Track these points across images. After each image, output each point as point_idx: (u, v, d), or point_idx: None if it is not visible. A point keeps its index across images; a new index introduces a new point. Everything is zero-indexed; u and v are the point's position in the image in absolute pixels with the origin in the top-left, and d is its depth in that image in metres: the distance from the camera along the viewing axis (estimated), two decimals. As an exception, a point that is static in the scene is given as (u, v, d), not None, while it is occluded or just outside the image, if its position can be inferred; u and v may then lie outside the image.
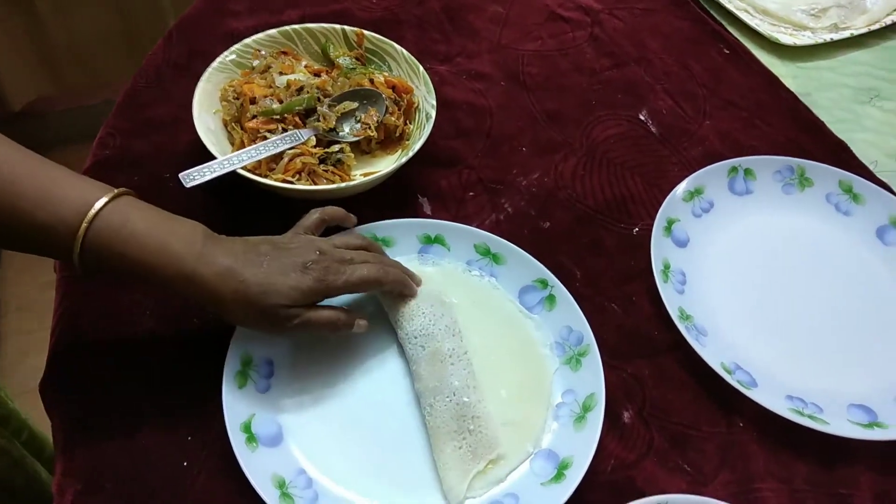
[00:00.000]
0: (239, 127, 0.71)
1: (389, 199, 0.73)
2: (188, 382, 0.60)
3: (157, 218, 0.54)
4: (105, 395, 0.59)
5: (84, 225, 0.50)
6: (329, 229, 0.63)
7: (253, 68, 0.75)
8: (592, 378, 0.60)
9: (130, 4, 1.61)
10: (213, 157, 0.65)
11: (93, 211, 0.50)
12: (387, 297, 0.64)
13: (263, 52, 0.77)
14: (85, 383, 0.60)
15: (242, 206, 0.71)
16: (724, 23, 0.98)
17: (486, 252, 0.68)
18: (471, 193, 0.75)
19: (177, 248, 0.52)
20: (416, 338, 0.61)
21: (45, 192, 0.50)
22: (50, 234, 0.50)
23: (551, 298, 0.65)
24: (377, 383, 0.61)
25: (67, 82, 1.70)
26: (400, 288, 0.62)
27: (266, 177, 0.67)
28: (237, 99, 0.72)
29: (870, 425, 0.61)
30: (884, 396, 0.64)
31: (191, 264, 0.52)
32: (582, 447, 0.57)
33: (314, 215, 0.61)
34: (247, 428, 0.56)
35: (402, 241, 0.68)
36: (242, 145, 0.69)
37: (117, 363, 0.61)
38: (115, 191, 0.52)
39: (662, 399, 0.63)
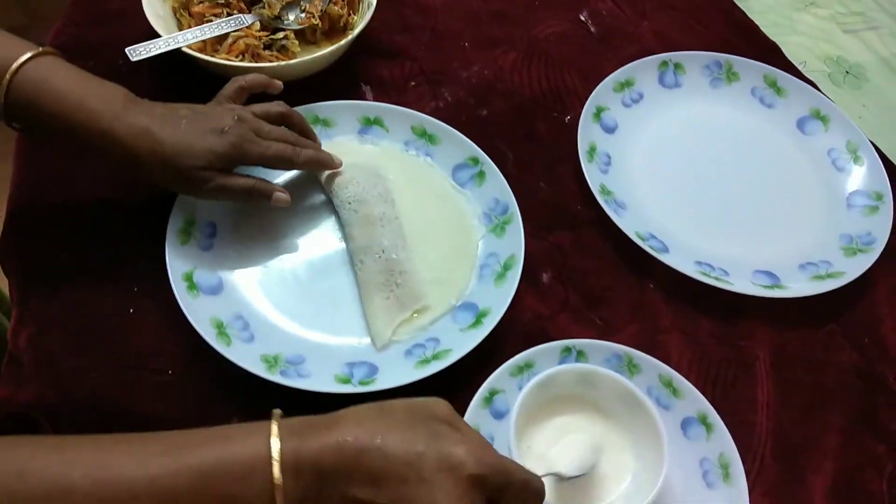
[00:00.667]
0: (187, 13, 0.74)
1: (333, 86, 0.76)
2: (136, 241, 0.64)
3: (79, 76, 0.56)
4: (57, 253, 0.64)
5: (7, 77, 0.52)
6: (255, 98, 0.65)
7: (201, -39, 0.78)
8: (514, 242, 0.65)
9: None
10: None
11: (16, 64, 0.53)
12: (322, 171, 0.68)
13: (212, -54, 0.79)
14: (39, 244, 0.64)
15: (188, 90, 0.74)
16: (670, -67, 1.01)
17: (422, 133, 0.72)
18: (412, 83, 0.79)
19: (95, 105, 0.54)
20: (349, 203, 0.65)
21: None
22: None
23: (481, 174, 0.70)
24: (314, 244, 0.66)
25: (5, 24, 1.70)
26: (314, 168, 0.65)
27: (212, 57, 0.70)
28: (185, -14, 0.75)
29: (771, 287, 0.66)
30: (788, 264, 0.69)
31: (108, 122, 0.54)
32: (500, 299, 0.61)
33: (234, 83, 0.63)
34: (188, 277, 0.60)
35: (342, 122, 0.72)
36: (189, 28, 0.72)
37: (70, 225, 0.65)
38: (40, 49, 0.55)
39: (581, 264, 0.68)
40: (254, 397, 0.57)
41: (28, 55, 0.53)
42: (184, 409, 0.57)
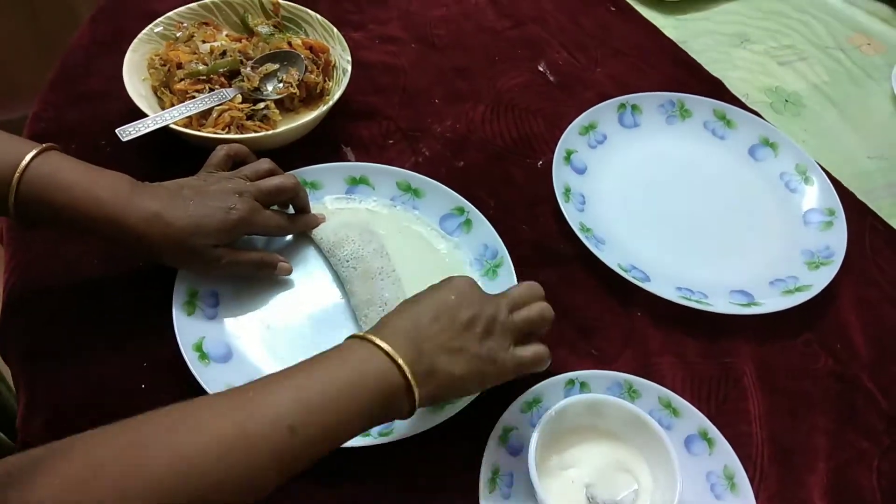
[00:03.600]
0: (168, 91, 0.76)
1: (316, 150, 0.79)
2: (138, 317, 0.65)
3: (84, 168, 0.58)
4: (59, 334, 0.64)
5: (16, 175, 0.54)
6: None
7: (176, 39, 0.81)
8: (507, 283, 0.68)
9: (43, 13, 1.62)
10: (146, 117, 0.70)
11: (24, 162, 0.54)
12: (318, 232, 0.70)
13: (185, 25, 0.82)
14: (41, 326, 0.64)
15: (174, 165, 0.76)
16: (610, -15, 1.08)
17: (407, 188, 0.75)
18: (391, 141, 0.83)
19: (104, 195, 0.56)
20: (347, 261, 0.68)
21: None
22: None
23: (468, 222, 0.73)
24: (315, 303, 0.68)
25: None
26: (306, 229, 0.70)
27: (198, 132, 0.73)
28: (164, 65, 0.77)
29: (748, 305, 0.71)
30: (759, 282, 0.74)
31: (119, 210, 0.56)
32: (501, 339, 0.64)
33: (220, 152, 0.66)
34: (198, 347, 0.61)
35: (329, 183, 0.75)
36: (172, 107, 0.75)
37: (69, 305, 0.66)
38: (43, 145, 0.57)
39: (570, 299, 0.71)
40: (275, 459, 0.58)
41: (32, 153, 0.55)
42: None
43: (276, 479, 0.44)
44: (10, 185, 0.54)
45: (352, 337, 0.52)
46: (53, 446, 0.40)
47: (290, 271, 0.67)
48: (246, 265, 0.64)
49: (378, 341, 0.49)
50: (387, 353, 0.49)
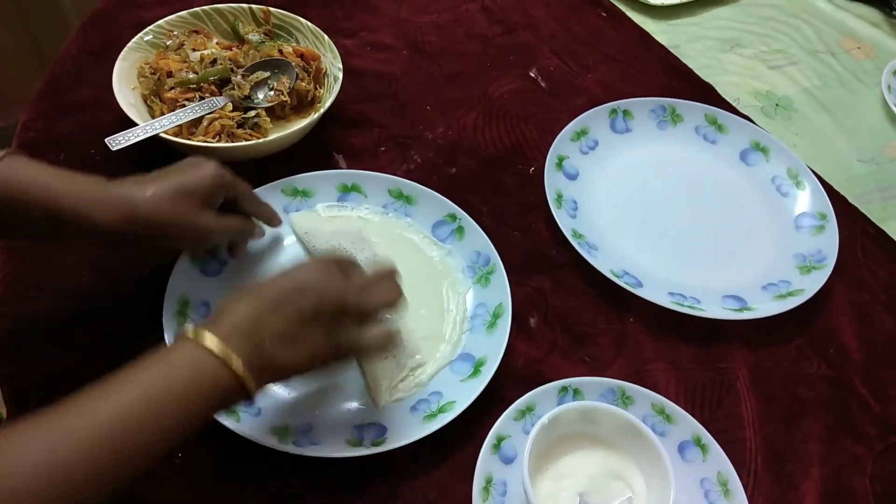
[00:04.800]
0: (158, 99, 0.76)
1: (308, 158, 0.79)
2: (129, 327, 0.64)
3: (56, 169, 0.56)
4: (49, 346, 0.63)
5: None
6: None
7: (167, 47, 0.80)
8: (500, 291, 0.68)
9: (33, 20, 1.61)
10: (136, 126, 0.70)
11: None
12: (310, 240, 0.70)
13: (175, 33, 0.82)
14: (29, 338, 0.64)
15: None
16: (601, -10, 1.09)
17: (399, 195, 0.75)
18: (382, 148, 0.82)
19: (84, 183, 0.55)
20: None
21: None
22: None
23: (460, 229, 0.73)
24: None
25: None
26: (264, 215, 0.68)
27: (188, 140, 0.72)
28: (154, 74, 0.77)
29: (740, 310, 0.71)
30: (751, 286, 0.74)
31: (102, 191, 0.55)
32: (494, 347, 0.64)
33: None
34: (189, 358, 0.61)
35: (321, 191, 0.75)
36: (162, 115, 0.74)
37: (59, 316, 0.65)
38: (7, 150, 0.55)
39: (563, 305, 0.71)
40: (266, 470, 0.58)
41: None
42: (198, 490, 0.57)
43: (121, 473, 0.44)
44: None
45: (183, 335, 0.49)
46: None
47: (262, 234, 0.69)
48: (235, 226, 0.64)
49: (211, 345, 0.47)
50: (220, 359, 0.47)
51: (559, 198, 0.78)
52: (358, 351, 0.56)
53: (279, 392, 0.62)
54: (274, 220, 0.69)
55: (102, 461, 0.42)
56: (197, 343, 0.47)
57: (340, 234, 0.70)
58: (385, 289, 0.57)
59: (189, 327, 0.48)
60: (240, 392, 0.48)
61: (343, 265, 0.56)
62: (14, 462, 0.40)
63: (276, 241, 0.72)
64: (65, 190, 0.54)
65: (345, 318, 0.53)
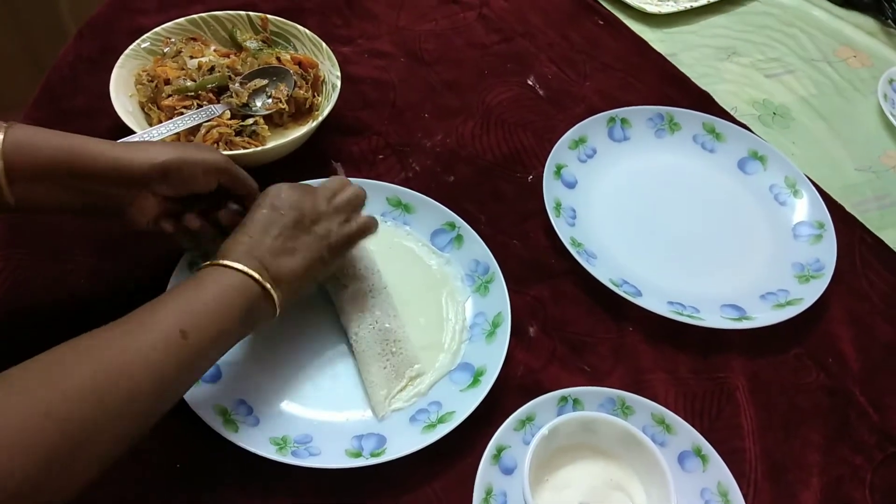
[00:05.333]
0: (156, 107, 0.76)
1: (305, 165, 0.78)
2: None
3: (57, 131, 0.56)
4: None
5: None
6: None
7: (164, 54, 0.80)
8: (499, 300, 0.68)
9: (29, 25, 1.61)
10: (133, 134, 0.70)
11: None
12: None
13: (173, 40, 0.81)
14: (25, 346, 0.63)
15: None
16: (598, -2, 1.09)
17: (397, 203, 0.75)
18: (380, 156, 0.82)
19: (89, 143, 0.56)
20: (338, 279, 0.67)
21: None
22: None
23: (459, 238, 0.73)
24: (305, 323, 0.67)
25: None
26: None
27: (186, 148, 0.72)
28: (151, 81, 0.76)
29: (739, 319, 0.71)
30: (750, 295, 0.74)
31: (109, 145, 0.57)
32: (493, 357, 0.64)
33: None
34: (187, 367, 0.60)
35: (319, 199, 0.74)
36: (160, 123, 0.74)
37: (54, 324, 0.64)
38: (7, 122, 0.55)
39: (562, 314, 0.71)
40: (264, 480, 0.57)
41: (4, 126, 0.54)
42: (196, 501, 0.57)
43: (177, 386, 0.51)
44: None
45: (201, 267, 0.55)
46: None
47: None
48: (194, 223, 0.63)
49: (229, 263, 0.54)
50: (239, 271, 0.54)
51: (558, 206, 0.78)
52: (348, 239, 0.63)
53: (277, 400, 0.61)
54: None
55: (172, 337, 0.49)
56: (216, 266, 0.54)
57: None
58: (350, 189, 0.65)
59: (208, 263, 0.55)
60: (265, 301, 0.55)
61: (304, 185, 0.63)
62: (69, 375, 0.44)
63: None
64: (76, 143, 0.55)
65: (325, 219, 0.61)
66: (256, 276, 0.54)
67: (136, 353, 0.47)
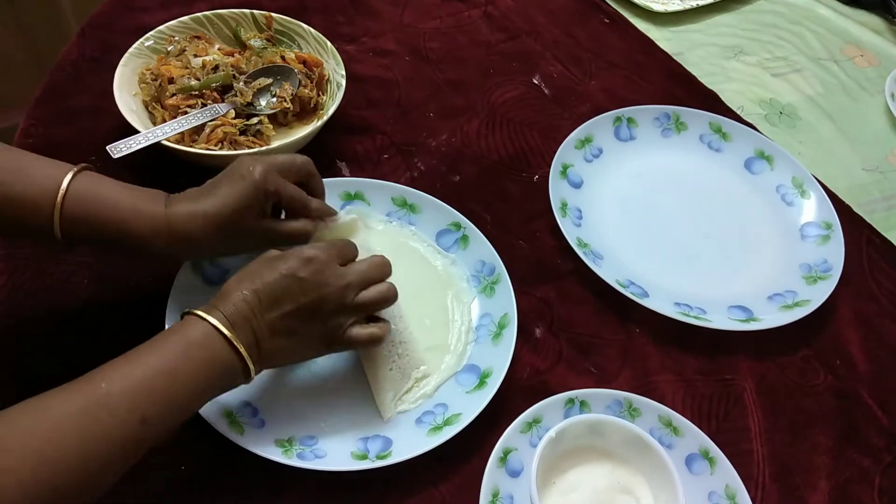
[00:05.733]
0: (159, 106, 0.75)
1: (310, 165, 0.78)
2: (130, 337, 0.63)
3: (122, 185, 0.59)
4: (49, 357, 0.62)
5: (62, 191, 0.54)
6: None
7: (168, 53, 0.80)
8: (505, 300, 0.67)
9: (30, 22, 1.60)
10: (137, 133, 0.69)
11: (66, 180, 0.55)
12: None
13: (177, 38, 0.81)
14: (29, 349, 0.63)
15: (167, 183, 0.75)
16: (603, -3, 1.08)
17: (403, 203, 0.75)
18: (385, 156, 0.82)
19: (147, 203, 0.57)
20: None
21: (20, 165, 0.55)
22: (29, 205, 0.54)
23: (465, 238, 0.72)
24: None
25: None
26: (321, 215, 0.65)
27: (190, 147, 0.72)
28: (155, 80, 0.76)
29: (746, 320, 0.70)
30: (757, 296, 0.73)
31: (162, 214, 0.57)
32: (500, 358, 0.63)
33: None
34: (192, 369, 0.60)
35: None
36: (164, 122, 0.74)
37: (59, 327, 0.64)
38: (79, 166, 0.57)
39: (568, 315, 0.71)
40: (270, 482, 0.57)
41: (74, 171, 0.56)
42: (201, 503, 0.56)
43: (124, 467, 0.47)
44: (56, 202, 0.54)
45: (194, 314, 0.52)
46: None
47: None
48: (292, 230, 0.62)
49: (223, 329, 0.51)
50: (230, 344, 0.51)
51: (564, 206, 0.77)
52: (350, 345, 0.59)
53: (282, 402, 0.61)
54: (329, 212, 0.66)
55: (132, 425, 0.46)
56: (211, 326, 0.51)
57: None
58: (382, 287, 0.59)
59: (201, 313, 0.52)
60: (241, 374, 0.53)
61: (344, 252, 0.59)
62: (40, 426, 0.44)
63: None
64: (132, 212, 0.56)
65: (343, 314, 0.57)
66: (245, 356, 0.52)
67: (85, 443, 0.45)
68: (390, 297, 0.59)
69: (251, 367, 0.53)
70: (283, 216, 0.64)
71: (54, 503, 0.43)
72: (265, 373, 0.62)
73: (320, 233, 0.64)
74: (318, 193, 0.65)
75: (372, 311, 0.59)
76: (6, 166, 0.55)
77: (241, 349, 0.52)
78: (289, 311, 0.54)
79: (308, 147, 0.78)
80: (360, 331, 0.58)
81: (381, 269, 0.60)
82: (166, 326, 0.61)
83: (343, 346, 0.59)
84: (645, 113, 0.87)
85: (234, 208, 0.58)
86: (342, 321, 0.57)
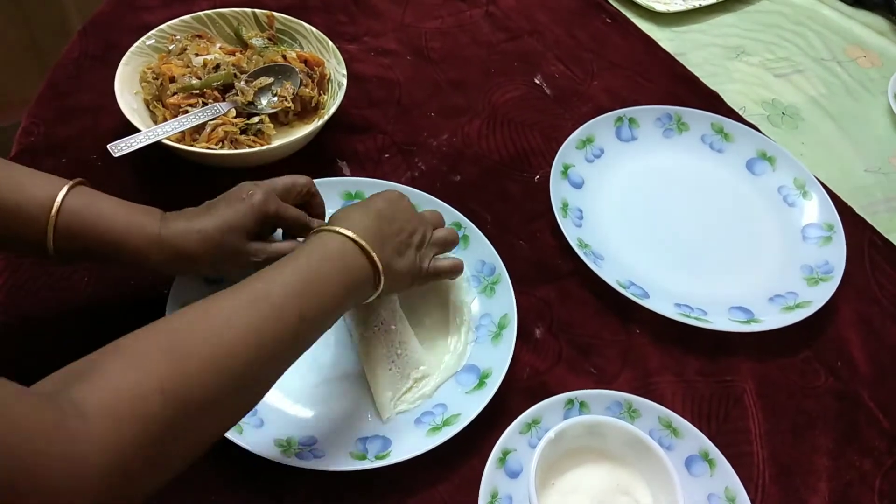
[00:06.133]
0: (160, 105, 0.75)
1: (311, 164, 0.78)
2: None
3: (117, 200, 0.58)
4: (49, 359, 0.62)
5: (55, 206, 0.54)
6: None
7: (169, 52, 0.80)
8: (505, 301, 0.67)
9: (34, 20, 1.61)
10: (138, 132, 0.69)
11: (61, 195, 0.55)
12: None
13: (178, 37, 0.81)
14: (29, 350, 0.63)
15: (168, 182, 0.76)
16: (606, -4, 1.08)
17: (402, 203, 0.74)
18: (386, 155, 0.82)
19: (142, 219, 0.57)
20: None
21: (15, 179, 0.55)
22: (24, 217, 0.54)
23: (465, 238, 0.72)
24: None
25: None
26: None
27: (192, 147, 0.72)
28: (157, 79, 0.76)
29: (747, 322, 0.70)
30: (758, 297, 0.73)
31: (156, 230, 0.57)
32: (499, 358, 0.63)
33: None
34: (191, 368, 0.60)
35: (324, 198, 0.73)
36: (165, 121, 0.74)
37: (59, 329, 0.64)
38: (73, 181, 0.57)
39: (568, 316, 0.71)
40: (270, 482, 0.57)
41: (68, 185, 0.55)
42: (200, 503, 0.56)
43: (284, 367, 0.50)
44: (50, 216, 0.54)
45: (326, 231, 0.56)
46: (105, 348, 0.44)
47: None
48: (282, 252, 0.61)
49: (359, 240, 0.55)
50: (365, 252, 0.55)
51: (565, 206, 0.77)
52: (435, 273, 0.63)
53: (281, 401, 0.61)
54: None
55: (293, 321, 0.49)
56: (342, 237, 0.55)
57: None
58: (448, 229, 0.66)
59: (335, 227, 0.56)
60: (371, 285, 0.56)
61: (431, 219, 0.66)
62: (184, 350, 0.44)
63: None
64: (126, 228, 0.56)
65: (426, 248, 0.62)
66: (378, 263, 0.55)
67: (254, 334, 0.47)
68: (456, 238, 0.66)
69: (382, 278, 0.56)
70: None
71: (242, 387, 0.46)
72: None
73: None
74: (320, 213, 0.66)
75: (444, 250, 0.65)
76: (1, 180, 0.54)
77: (375, 257, 0.55)
78: (398, 230, 0.59)
79: (309, 146, 0.78)
80: (444, 262, 0.64)
81: (439, 216, 0.67)
82: None
83: (425, 279, 0.63)
84: (646, 113, 0.87)
85: (230, 228, 0.58)
86: (426, 253, 0.62)
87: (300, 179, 0.64)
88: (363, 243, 0.55)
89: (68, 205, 0.55)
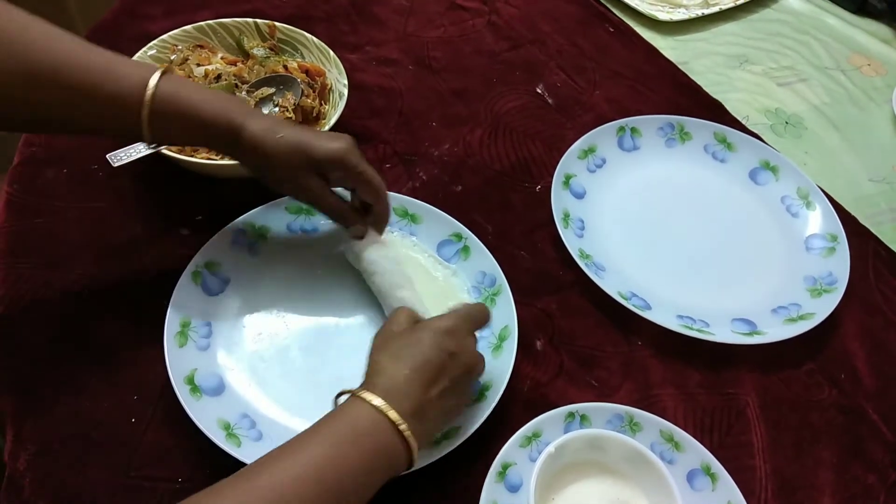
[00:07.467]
0: (162, 115, 0.75)
1: (311, 174, 0.78)
2: (128, 348, 0.64)
3: (203, 89, 0.62)
4: (48, 366, 0.62)
5: (150, 90, 0.56)
6: None
7: (171, 62, 0.80)
8: (506, 312, 0.67)
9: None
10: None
11: (154, 78, 0.56)
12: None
13: (180, 47, 0.81)
14: (27, 358, 0.63)
15: (167, 192, 0.76)
16: (608, 5, 1.07)
17: (404, 214, 0.74)
18: (387, 165, 0.82)
19: (230, 105, 0.60)
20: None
21: (108, 65, 0.56)
22: (118, 103, 0.56)
23: (466, 249, 0.72)
24: (307, 336, 0.66)
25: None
26: (382, 218, 0.67)
27: (191, 157, 0.72)
28: (158, 89, 0.76)
29: (750, 334, 0.70)
30: (761, 309, 0.73)
31: (241, 119, 0.60)
32: (500, 370, 0.63)
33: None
34: (190, 380, 0.60)
35: (325, 209, 0.74)
36: (167, 131, 0.74)
37: (58, 336, 0.64)
38: (164, 65, 0.60)
39: (569, 327, 0.70)
40: (268, 496, 0.57)
41: (161, 71, 0.57)
42: (197, 517, 0.56)
43: None
44: (144, 99, 0.56)
45: (358, 396, 0.51)
46: None
47: (362, 234, 0.67)
48: (329, 207, 0.65)
49: (397, 421, 0.50)
50: (397, 427, 0.50)
51: (566, 217, 0.77)
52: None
53: (280, 413, 0.61)
54: (378, 227, 0.67)
55: None
56: (382, 416, 0.50)
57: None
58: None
59: (367, 396, 0.50)
60: (404, 461, 0.51)
61: (478, 322, 0.60)
62: None
63: (280, 263, 0.71)
64: (212, 116, 0.59)
65: (473, 374, 0.58)
66: (413, 447, 0.50)
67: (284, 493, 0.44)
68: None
69: (415, 458, 0.51)
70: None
71: None
72: (261, 384, 0.62)
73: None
74: (374, 197, 0.66)
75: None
76: (95, 67, 0.56)
77: (413, 443, 0.50)
78: (446, 388, 0.54)
79: (310, 156, 0.78)
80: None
81: (485, 317, 0.61)
82: (166, 330, 0.61)
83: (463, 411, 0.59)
84: (649, 123, 0.87)
85: (305, 148, 0.60)
86: (473, 379, 0.58)
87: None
88: (399, 425, 0.50)
89: (161, 90, 0.57)
